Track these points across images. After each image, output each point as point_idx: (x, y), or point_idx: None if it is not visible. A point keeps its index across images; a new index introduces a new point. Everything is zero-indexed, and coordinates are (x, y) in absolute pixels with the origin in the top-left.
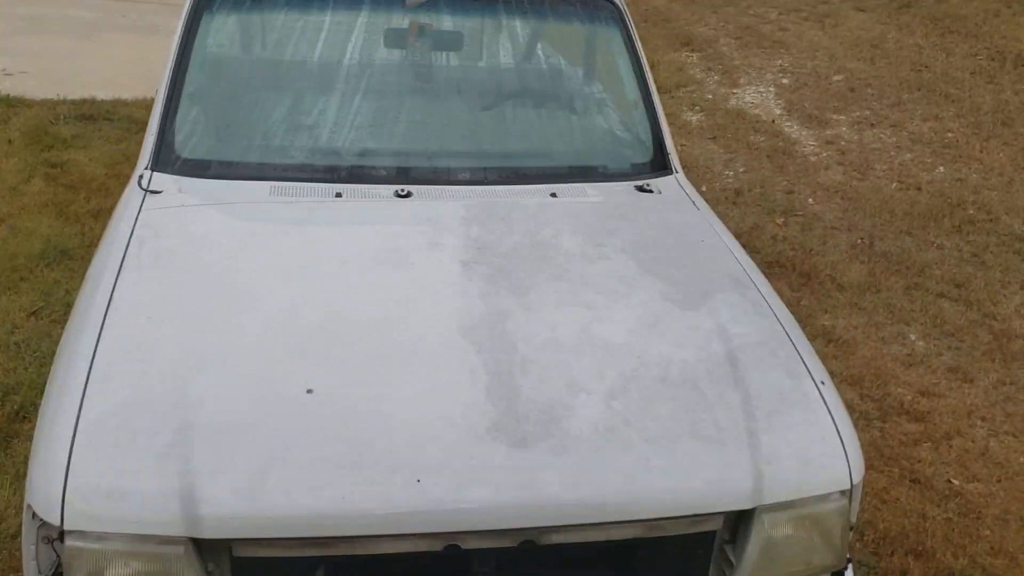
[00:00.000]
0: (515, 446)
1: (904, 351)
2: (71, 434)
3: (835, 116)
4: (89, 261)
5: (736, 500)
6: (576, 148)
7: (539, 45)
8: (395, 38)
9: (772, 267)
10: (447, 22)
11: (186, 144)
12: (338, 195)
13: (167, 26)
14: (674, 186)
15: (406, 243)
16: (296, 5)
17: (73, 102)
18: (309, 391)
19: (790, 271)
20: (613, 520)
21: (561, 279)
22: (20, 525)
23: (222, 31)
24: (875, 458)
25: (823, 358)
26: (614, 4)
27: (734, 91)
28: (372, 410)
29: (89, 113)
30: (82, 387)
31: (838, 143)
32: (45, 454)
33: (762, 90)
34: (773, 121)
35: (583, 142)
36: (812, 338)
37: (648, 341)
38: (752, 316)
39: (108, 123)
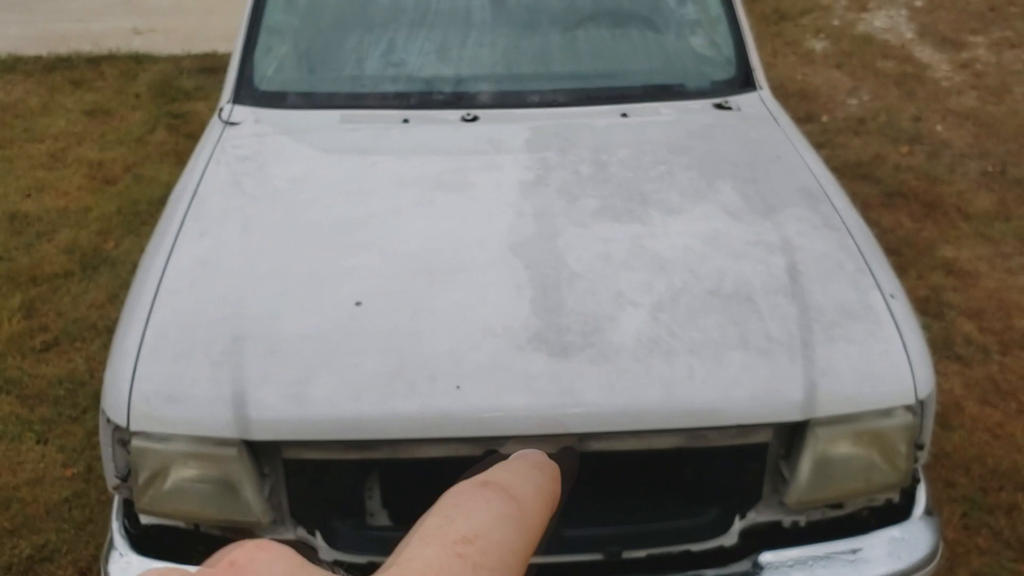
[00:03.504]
0: (556, 355)
1: None
2: (138, 344)
3: (972, 38)
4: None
5: (784, 412)
6: (652, 67)
7: None
8: None
9: (893, 197)
10: None
11: (264, 77)
12: (405, 121)
13: None
14: (756, 103)
15: (467, 165)
16: None
17: (196, 56)
18: (358, 303)
19: (912, 201)
20: (652, 428)
21: (619, 197)
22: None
23: None
24: (991, 393)
25: (941, 291)
26: None
27: (863, 15)
28: (417, 321)
29: (211, 66)
30: (150, 302)
31: (973, 66)
32: (115, 363)
33: (893, 13)
34: (903, 46)
35: (660, 60)
36: (931, 270)
37: (703, 255)
38: (821, 229)
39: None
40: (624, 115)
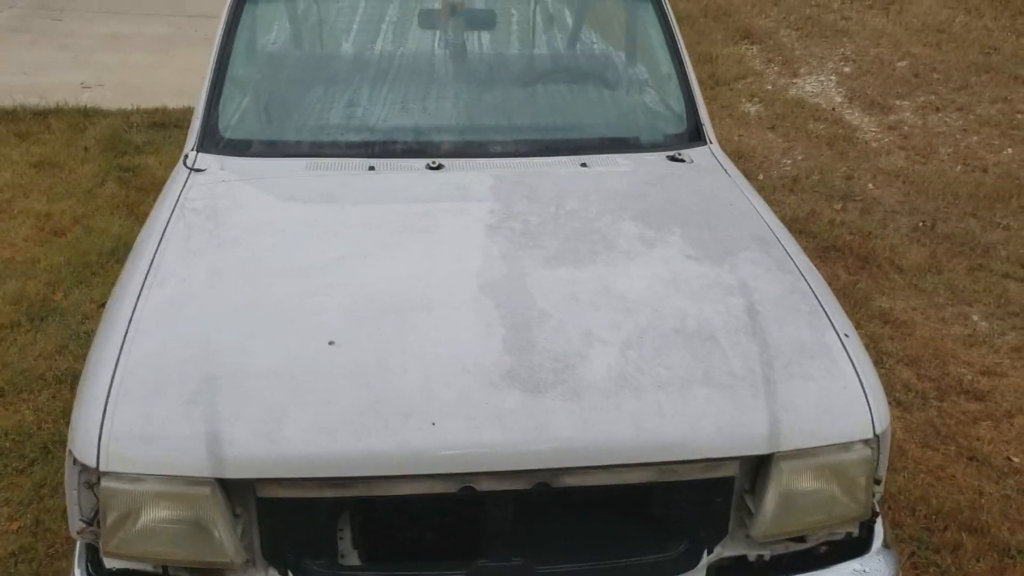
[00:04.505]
0: (528, 392)
1: (965, 331)
2: (108, 385)
3: (898, 102)
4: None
5: (750, 445)
6: (608, 120)
7: (571, 20)
8: (429, 18)
9: (828, 252)
10: (479, 1)
11: (229, 125)
12: (371, 168)
13: None
14: (707, 155)
15: (433, 209)
16: None
17: (145, 111)
18: (331, 343)
19: (847, 255)
20: (624, 463)
21: (583, 240)
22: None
23: (262, 19)
24: (931, 436)
25: (879, 339)
26: None
27: (794, 81)
28: (390, 359)
29: (160, 121)
30: (119, 344)
31: (901, 128)
32: (84, 404)
33: (823, 79)
34: (834, 109)
35: (615, 114)
36: (868, 320)
37: (666, 296)
38: (775, 272)
39: (178, 129)
40: (584, 165)
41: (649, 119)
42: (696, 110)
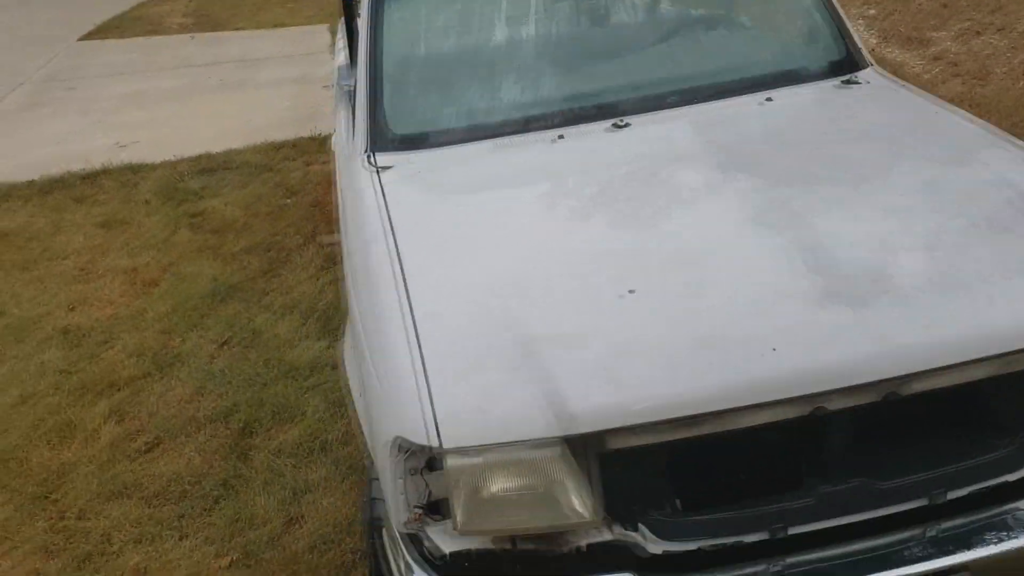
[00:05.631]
0: (856, 305)
1: None
2: (421, 367)
3: (935, 34)
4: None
5: None
6: (772, 55)
7: None
8: None
9: None
10: None
11: (398, 122)
12: (560, 137)
13: (252, 79)
14: (877, 76)
15: (652, 162)
16: None
17: (190, 159)
18: (631, 291)
19: None
20: (968, 359)
21: (822, 164)
22: (283, 527)
23: (404, 11)
24: None
25: None
26: None
27: None
28: (701, 297)
29: (208, 167)
30: (409, 328)
31: (946, 57)
32: (400, 392)
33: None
34: (872, 50)
35: (778, 49)
36: None
37: (938, 198)
38: (1021, 163)
39: (228, 172)
40: (769, 99)
41: (811, 50)
42: (850, 35)
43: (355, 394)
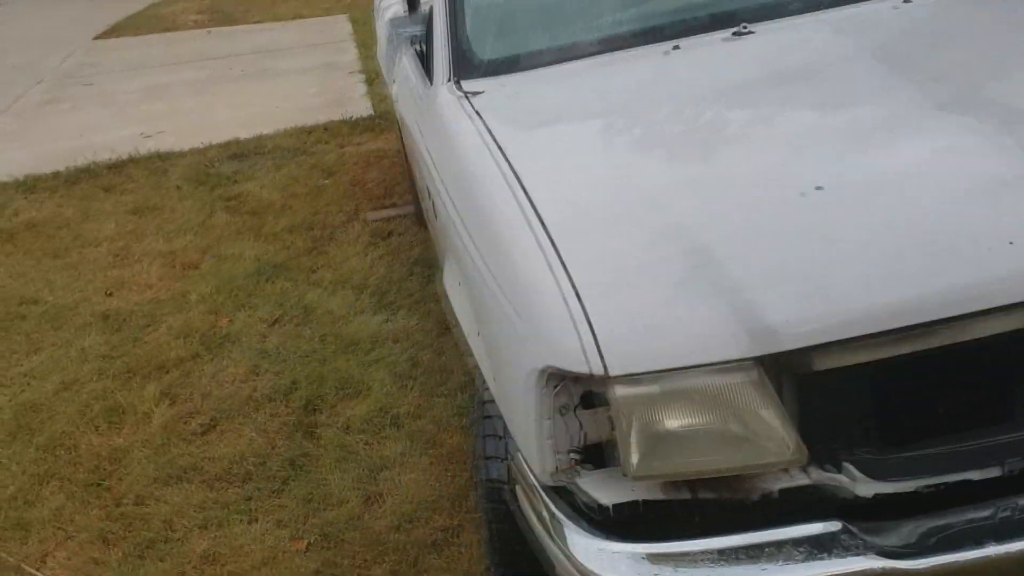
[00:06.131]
0: None
1: None
2: (570, 289)
3: None
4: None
5: None
6: None
7: None
8: None
9: None
10: None
11: (484, 46)
12: (676, 47)
13: (273, 68)
14: None
15: (793, 64)
16: None
17: (219, 145)
18: (818, 187)
19: None
20: None
21: (991, 53)
22: (361, 506)
23: None
24: None
25: None
26: None
27: None
28: (904, 191)
29: (239, 152)
30: (548, 250)
31: None
32: (549, 316)
33: None
34: None
35: None
36: None
37: None
38: None
39: (260, 156)
40: (906, 0)
41: None
42: None
43: (469, 336)
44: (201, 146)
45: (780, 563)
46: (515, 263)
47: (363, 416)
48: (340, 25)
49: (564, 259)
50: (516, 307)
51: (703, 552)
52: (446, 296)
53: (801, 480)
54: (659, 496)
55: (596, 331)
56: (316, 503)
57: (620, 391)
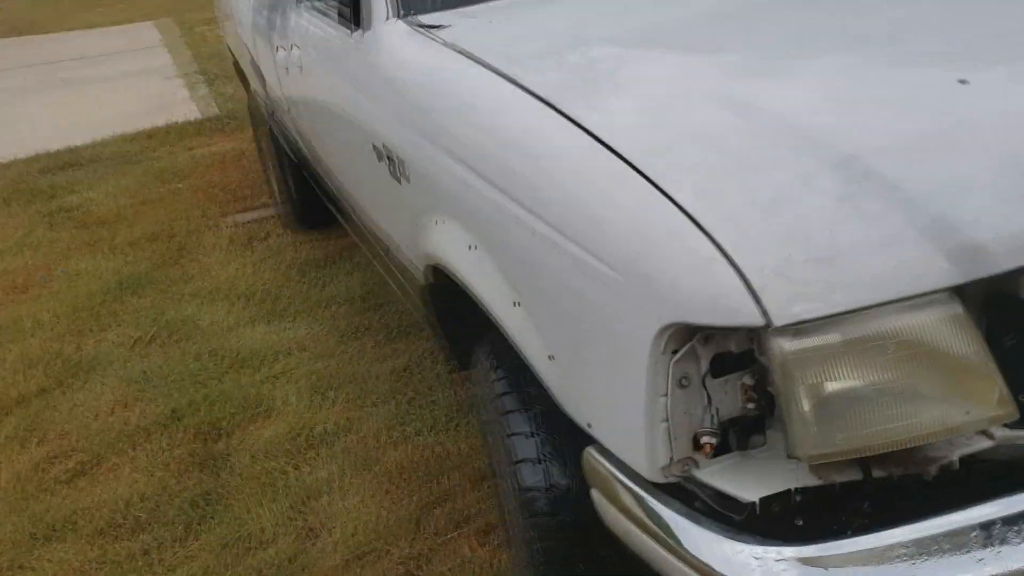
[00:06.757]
0: None
1: None
2: (688, 222)
3: None
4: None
5: None
6: None
7: None
8: None
9: None
10: None
11: None
12: None
13: (95, 75)
14: None
15: None
16: None
17: (48, 155)
18: (962, 81)
19: None
20: None
21: None
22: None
23: None
24: None
25: None
26: None
27: None
28: None
29: (72, 161)
30: (642, 188)
31: None
32: (668, 256)
33: None
34: None
35: None
36: None
37: None
38: None
39: (98, 164)
40: None
41: None
42: None
43: (497, 310)
44: (25, 157)
45: (996, 548)
46: (601, 203)
47: (275, 439)
48: (146, 32)
49: (672, 195)
50: (608, 258)
51: (895, 546)
52: (446, 267)
53: (981, 444)
54: (815, 482)
55: (743, 269)
56: (236, 547)
57: (787, 345)
